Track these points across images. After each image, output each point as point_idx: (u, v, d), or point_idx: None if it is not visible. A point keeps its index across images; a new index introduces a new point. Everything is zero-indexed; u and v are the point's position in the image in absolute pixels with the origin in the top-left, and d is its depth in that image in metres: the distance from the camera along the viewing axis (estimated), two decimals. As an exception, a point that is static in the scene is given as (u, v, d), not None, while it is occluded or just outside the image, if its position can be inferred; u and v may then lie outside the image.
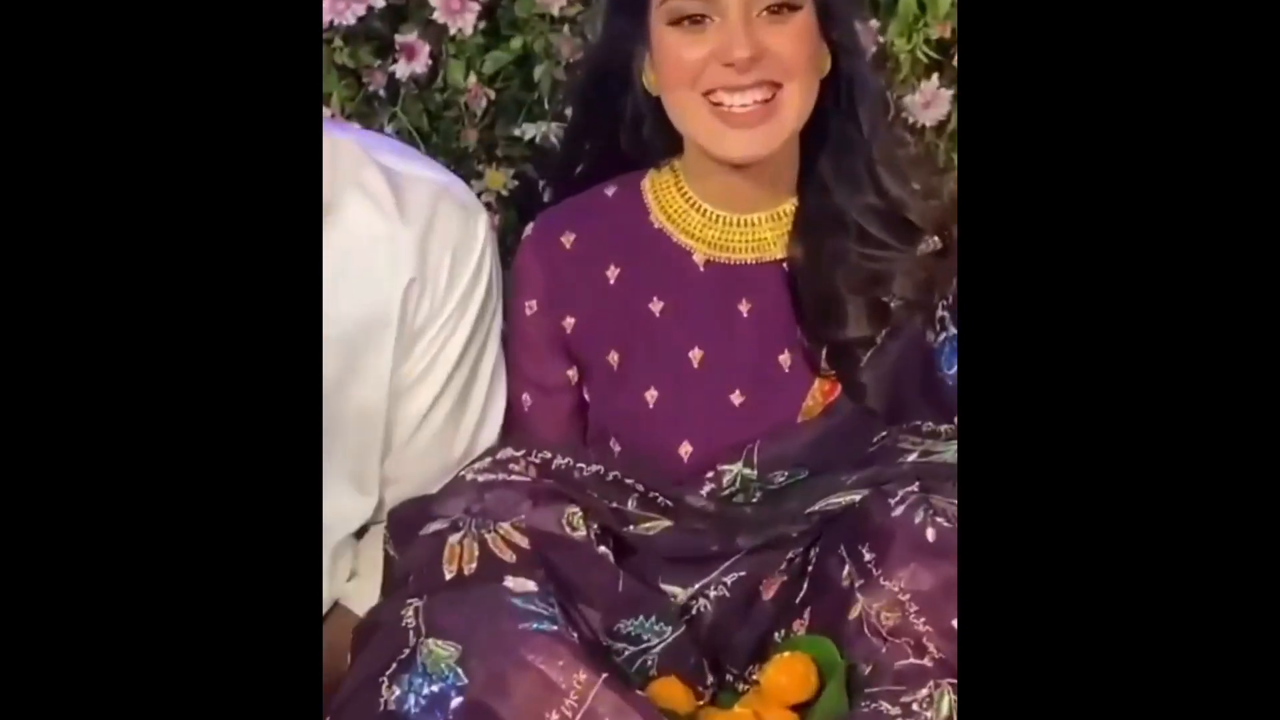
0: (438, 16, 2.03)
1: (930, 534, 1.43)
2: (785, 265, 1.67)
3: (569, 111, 2.09)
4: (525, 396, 1.74)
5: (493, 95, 2.11)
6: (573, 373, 1.73)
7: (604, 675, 1.38)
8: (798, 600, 1.54)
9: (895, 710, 1.38)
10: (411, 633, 1.42)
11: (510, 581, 1.45)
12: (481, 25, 2.07)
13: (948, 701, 1.39)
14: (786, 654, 1.48)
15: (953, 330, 1.67)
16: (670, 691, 1.45)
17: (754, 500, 1.62)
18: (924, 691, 1.38)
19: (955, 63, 2.11)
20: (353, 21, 2.03)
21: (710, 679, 1.52)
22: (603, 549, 1.55)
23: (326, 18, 2.02)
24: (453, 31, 2.05)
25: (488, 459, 1.64)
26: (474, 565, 1.49)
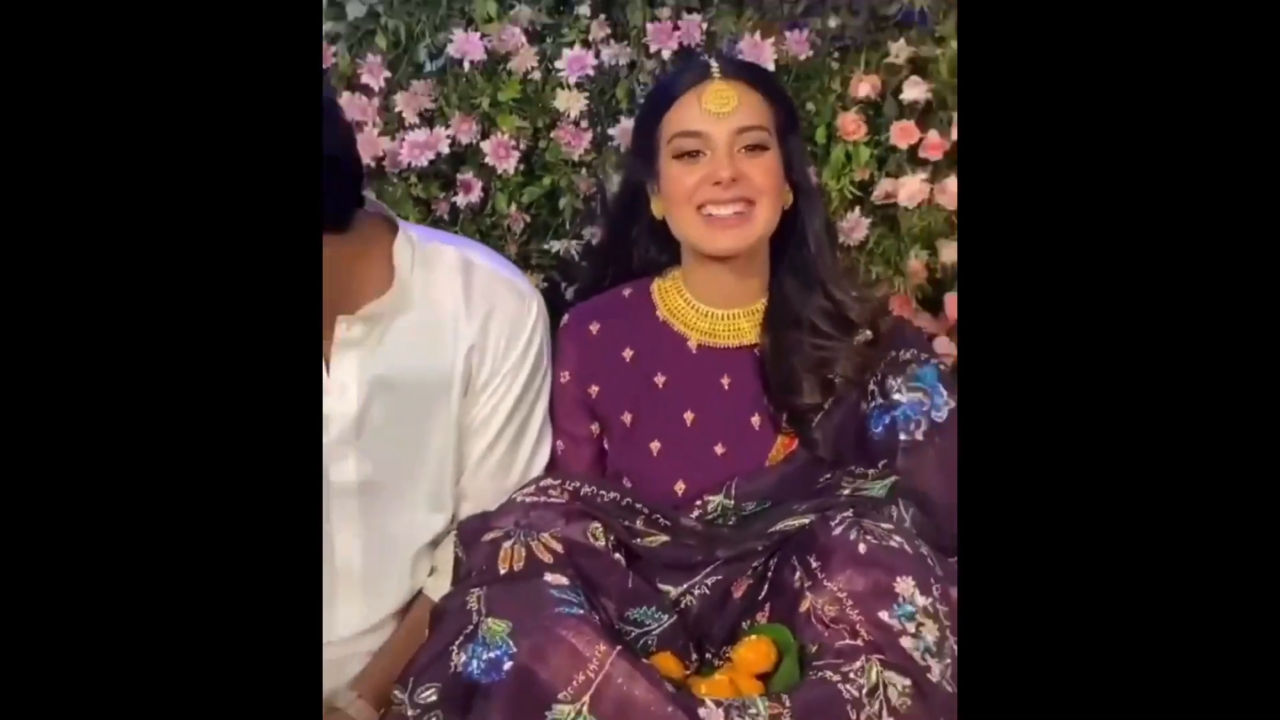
0: (488, 160, 2.07)
1: (862, 548, 1.46)
2: (756, 350, 1.71)
3: (589, 232, 2.13)
4: (560, 443, 1.77)
5: (528, 219, 2.13)
6: (595, 427, 1.76)
7: (618, 648, 1.41)
8: (760, 597, 1.58)
9: (836, 678, 1.40)
10: (475, 613, 1.46)
11: (549, 577, 1.49)
12: (520, 167, 2.09)
13: (875, 671, 1.39)
14: (753, 637, 1.51)
15: (879, 400, 1.67)
16: (666, 664, 1.48)
17: (730, 523, 1.64)
18: (858, 664, 1.40)
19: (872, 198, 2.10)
20: (424, 164, 2.07)
21: (695, 656, 1.56)
22: (617, 555, 1.57)
23: (404, 160, 2.07)
24: (499, 171, 2.08)
25: (533, 486, 1.65)
26: (521, 564, 1.51)
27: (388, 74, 2.12)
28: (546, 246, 2.15)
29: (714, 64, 1.69)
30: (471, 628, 1.46)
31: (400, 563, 1.68)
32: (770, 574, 1.57)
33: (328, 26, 2.14)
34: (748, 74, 1.71)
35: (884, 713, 1.39)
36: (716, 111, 1.64)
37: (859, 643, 1.42)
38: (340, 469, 1.62)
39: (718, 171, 1.62)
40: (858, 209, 2.12)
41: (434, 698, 1.46)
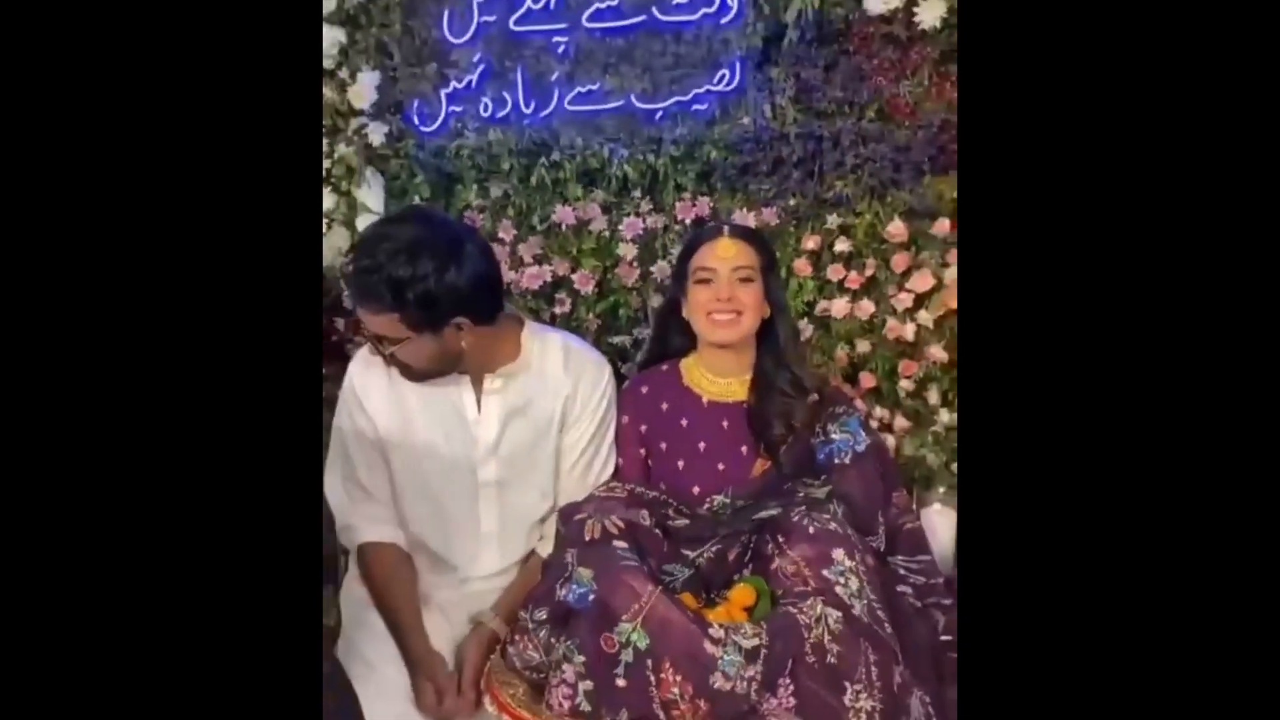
0: (576, 286, 2.11)
1: (811, 530, 1.45)
2: (746, 404, 1.67)
3: (637, 331, 2.13)
4: (622, 460, 1.72)
5: (600, 322, 2.14)
6: (644, 452, 1.72)
7: (659, 589, 1.41)
8: (746, 560, 1.56)
9: (794, 611, 1.38)
10: (570, 565, 1.46)
11: (615, 543, 1.48)
12: (595, 291, 2.13)
13: (820, 607, 1.37)
14: (741, 584, 1.50)
15: (821, 437, 1.64)
16: (687, 600, 1.45)
17: (727, 513, 1.62)
18: (809, 602, 1.38)
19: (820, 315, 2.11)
20: (536, 288, 2.10)
21: (704, 596, 1.53)
22: (657, 531, 1.56)
23: (524, 286, 2.10)
24: (582, 293, 2.12)
25: (604, 487, 1.65)
26: (598, 535, 1.50)
27: (515, 232, 2.14)
28: (611, 340, 2.14)
29: (726, 228, 1.68)
30: (568, 574, 1.45)
31: (521, 530, 1.64)
32: (752, 545, 1.56)
33: (478, 203, 2.16)
34: (744, 234, 1.69)
35: (825, 634, 1.37)
36: (722, 256, 1.63)
37: (809, 589, 1.41)
38: (485, 471, 1.60)
39: (720, 292, 1.62)
40: (805, 319, 2.11)
41: (544, 617, 1.46)
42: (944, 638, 1.56)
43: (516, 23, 2.10)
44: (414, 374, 1.54)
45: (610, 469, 1.71)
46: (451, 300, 1.44)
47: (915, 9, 1.96)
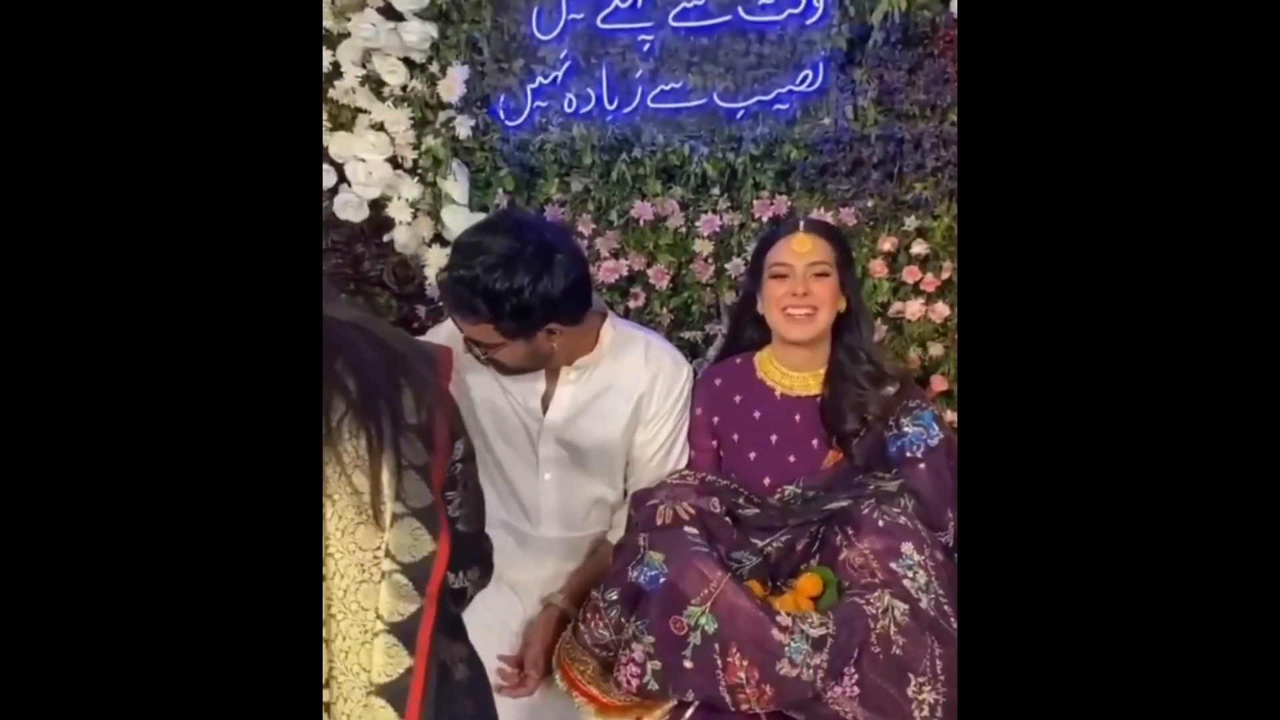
0: (651, 281, 2.17)
1: (880, 523, 1.48)
2: (819, 398, 1.67)
3: (710, 326, 2.17)
4: (693, 452, 1.72)
5: (673, 317, 2.21)
6: (715, 443, 1.72)
7: (729, 575, 1.44)
8: (814, 550, 1.58)
9: (861, 601, 1.40)
10: (642, 548, 1.50)
11: (686, 529, 1.51)
12: (670, 286, 2.19)
13: (887, 598, 1.39)
14: (808, 574, 1.52)
15: (894, 430, 1.62)
16: (754, 588, 1.47)
17: (798, 504, 1.62)
18: (875, 594, 1.41)
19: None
20: (613, 280, 2.17)
21: (771, 584, 1.55)
22: (727, 519, 1.57)
23: (601, 280, 2.13)
24: (657, 288, 2.18)
25: (677, 475, 1.67)
26: (670, 520, 1.53)
27: (593, 225, 2.20)
28: (683, 335, 2.19)
29: (801, 221, 1.68)
30: (640, 556, 1.49)
31: (582, 506, 1.68)
32: (821, 536, 1.57)
33: (559, 196, 2.22)
34: (820, 229, 1.68)
35: (891, 626, 1.39)
36: (798, 251, 1.63)
37: (876, 581, 1.43)
38: (545, 449, 1.64)
39: (796, 288, 1.62)
40: (879, 319, 2.12)
41: (615, 597, 1.49)
42: None
43: (603, 21, 2.14)
44: (506, 370, 1.58)
45: (684, 460, 1.72)
46: (545, 310, 1.47)
47: (1002, 13, 1.99)
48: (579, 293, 1.52)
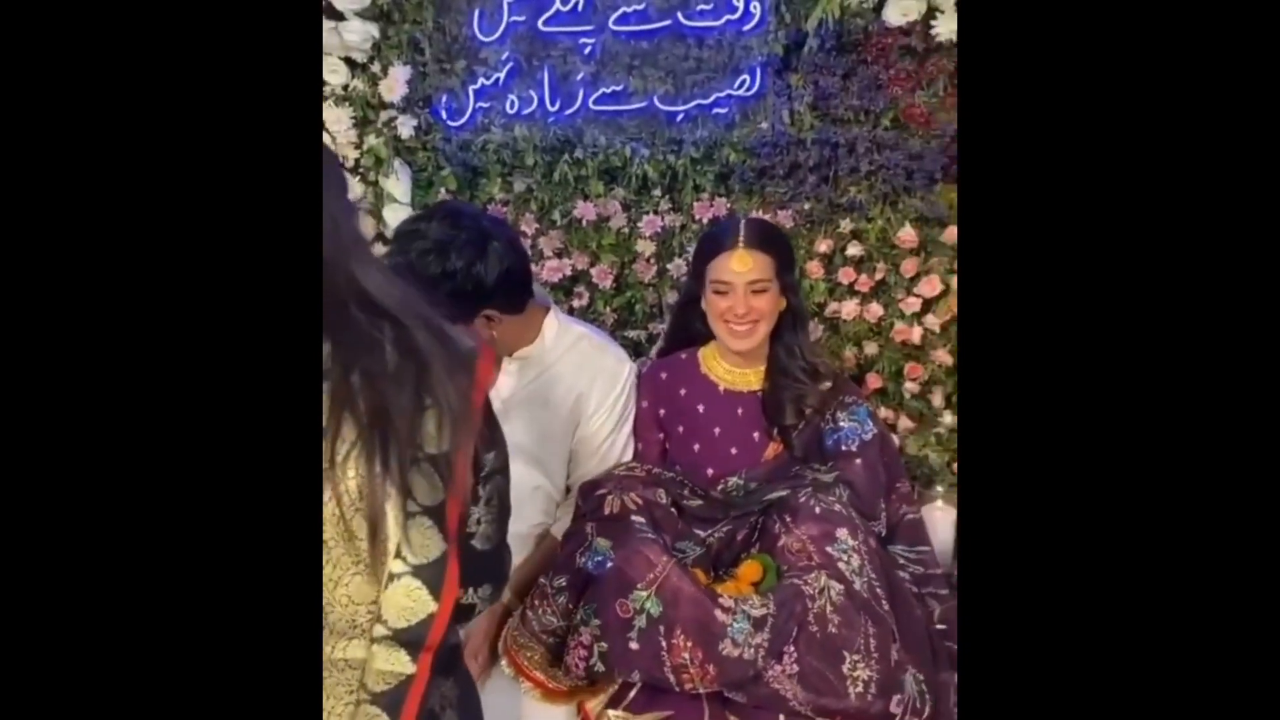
0: (594, 280, 2.22)
1: (817, 510, 1.55)
2: (759, 392, 1.73)
3: (653, 325, 2.22)
4: (640, 444, 1.79)
5: (615, 316, 2.26)
6: (661, 436, 1.78)
7: (674, 561, 1.51)
8: (754, 539, 1.63)
9: (800, 583, 1.47)
10: (589, 536, 1.56)
11: (633, 518, 1.57)
12: (614, 285, 2.26)
13: (823, 579, 1.46)
14: (749, 560, 1.58)
15: (831, 424, 1.69)
16: (698, 575, 1.53)
17: (739, 495, 1.68)
18: (812, 575, 1.48)
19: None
20: (556, 280, 2.20)
21: (713, 573, 1.60)
22: (672, 509, 1.64)
23: (545, 279, 2.17)
24: (601, 287, 2.24)
25: (625, 467, 1.72)
26: (618, 510, 1.59)
27: (536, 225, 2.24)
28: (626, 334, 2.23)
29: (742, 234, 1.68)
30: (588, 543, 1.54)
31: (522, 504, 1.62)
32: (760, 525, 1.63)
33: (502, 196, 2.26)
34: (759, 240, 1.69)
35: (827, 606, 1.45)
36: (737, 270, 1.65)
37: (813, 563, 1.49)
38: None
39: (736, 306, 1.66)
40: (816, 319, 2.19)
41: (564, 583, 1.54)
42: (939, 626, 1.64)
43: (545, 23, 2.19)
44: None
45: (629, 453, 1.78)
46: (479, 296, 1.50)
47: (932, 22, 2.09)
48: (515, 281, 1.55)
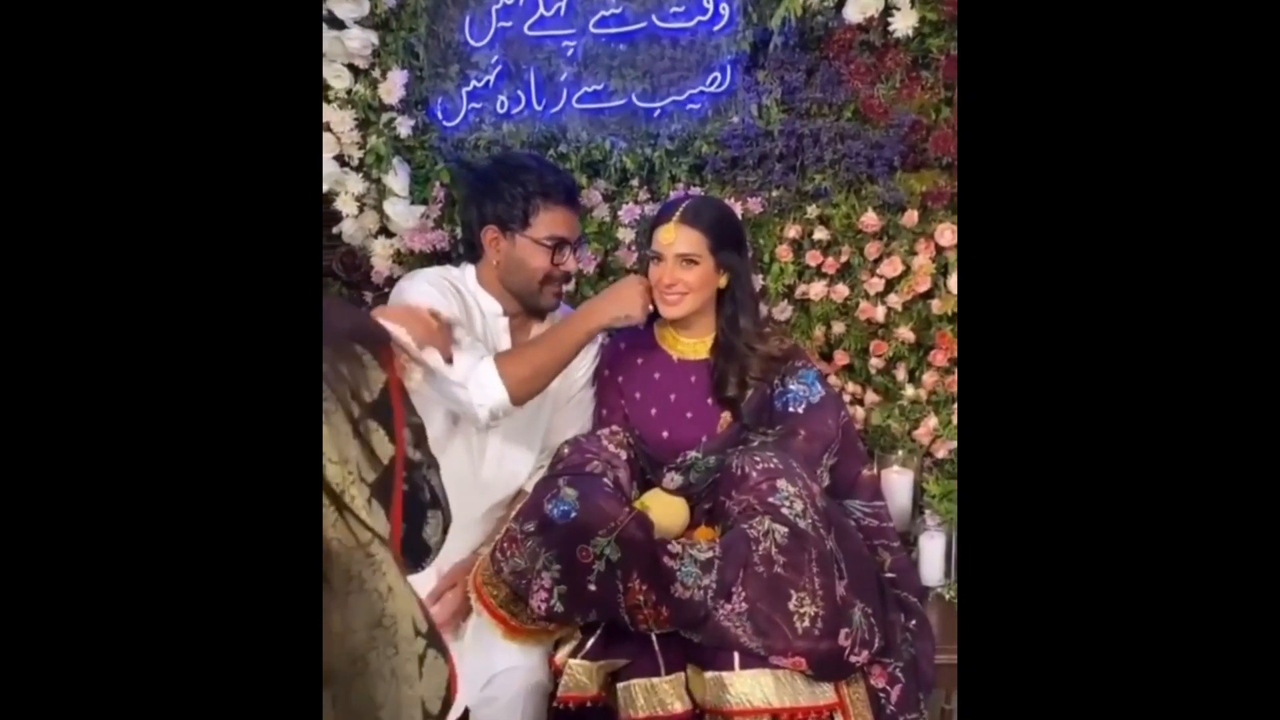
0: (580, 269, 2.32)
1: (756, 471, 1.66)
2: (709, 361, 1.87)
3: None
4: (604, 409, 1.93)
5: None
6: (624, 402, 1.91)
7: (633, 513, 1.65)
8: (706, 507, 1.79)
9: (745, 527, 1.59)
10: (558, 485, 1.67)
11: (603, 478, 1.72)
12: (597, 270, 2.38)
13: (767, 522, 1.57)
14: (702, 527, 1.75)
15: (780, 388, 1.81)
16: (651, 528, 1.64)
17: (701, 468, 1.82)
18: (757, 519, 1.59)
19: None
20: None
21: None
22: (633, 481, 1.80)
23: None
24: (586, 272, 2.35)
25: (607, 430, 1.87)
26: (586, 467, 1.72)
27: None
28: None
29: (680, 208, 1.80)
30: (555, 492, 1.66)
31: (510, 466, 1.90)
32: (715, 485, 1.76)
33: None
34: (694, 217, 1.79)
35: (772, 547, 1.56)
36: (665, 241, 1.78)
37: (757, 510, 1.61)
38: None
39: (664, 276, 1.78)
40: (785, 300, 2.35)
41: (533, 528, 1.64)
42: (889, 575, 1.81)
43: (530, 28, 2.37)
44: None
45: (590, 424, 1.95)
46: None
47: (890, 19, 2.26)
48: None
